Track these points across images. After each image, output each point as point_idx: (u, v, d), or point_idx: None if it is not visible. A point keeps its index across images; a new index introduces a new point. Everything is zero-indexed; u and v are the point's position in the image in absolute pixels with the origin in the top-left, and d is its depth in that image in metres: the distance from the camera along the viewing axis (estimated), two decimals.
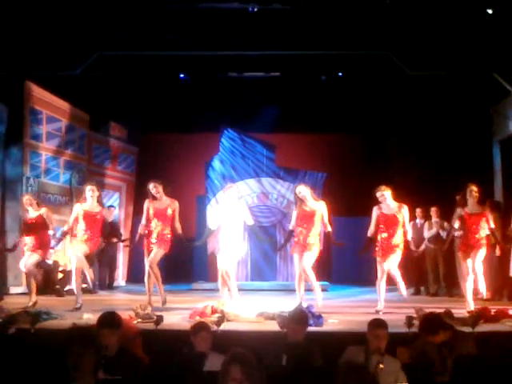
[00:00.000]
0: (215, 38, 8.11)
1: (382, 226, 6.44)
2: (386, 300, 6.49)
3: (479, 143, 9.17)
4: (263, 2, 7.53)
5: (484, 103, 9.02)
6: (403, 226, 6.44)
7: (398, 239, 6.39)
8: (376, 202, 6.56)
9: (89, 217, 6.56)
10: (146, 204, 6.65)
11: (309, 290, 6.74)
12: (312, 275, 6.45)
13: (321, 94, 9.91)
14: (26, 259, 6.72)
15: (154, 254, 6.54)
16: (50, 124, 8.94)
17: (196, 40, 8.13)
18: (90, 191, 6.57)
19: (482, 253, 6.46)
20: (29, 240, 6.77)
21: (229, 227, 6.63)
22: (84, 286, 8.47)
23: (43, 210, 6.86)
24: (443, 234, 8.46)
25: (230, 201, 6.68)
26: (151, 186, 6.57)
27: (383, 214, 6.43)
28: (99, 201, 6.69)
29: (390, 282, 6.62)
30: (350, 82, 9.51)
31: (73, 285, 6.62)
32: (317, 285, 6.53)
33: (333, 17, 7.82)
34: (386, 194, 6.41)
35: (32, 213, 6.86)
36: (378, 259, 6.42)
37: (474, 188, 6.59)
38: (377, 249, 6.45)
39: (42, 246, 6.81)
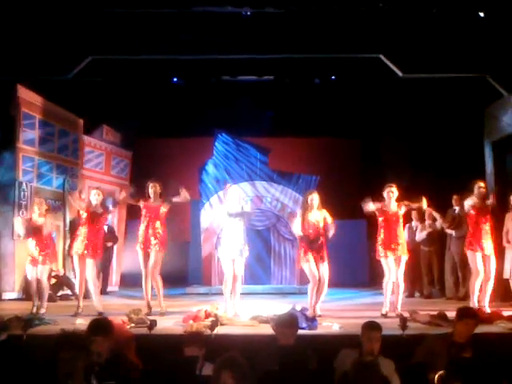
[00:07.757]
0: (208, 41, 8.09)
1: (382, 224, 6.30)
2: (380, 303, 6.43)
3: (472, 145, 9.19)
4: (256, 5, 7.53)
5: (476, 105, 9.04)
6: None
7: (399, 238, 6.27)
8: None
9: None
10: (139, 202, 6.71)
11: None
12: None
13: (314, 97, 9.92)
14: (41, 273, 6.61)
15: (155, 261, 6.51)
16: (43, 128, 8.88)
17: (189, 44, 8.11)
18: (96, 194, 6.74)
19: (492, 258, 6.34)
20: (33, 245, 6.67)
21: (233, 227, 6.48)
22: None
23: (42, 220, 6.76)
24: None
25: (233, 200, 6.55)
26: (150, 185, 6.63)
27: (384, 212, 6.30)
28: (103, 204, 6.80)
29: None
30: (343, 86, 9.52)
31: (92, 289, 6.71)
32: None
33: (325, 20, 7.83)
34: (394, 191, 6.33)
35: (37, 217, 6.77)
36: (382, 259, 6.25)
37: (482, 184, 6.52)
38: (379, 248, 6.27)
39: (48, 251, 6.72)
